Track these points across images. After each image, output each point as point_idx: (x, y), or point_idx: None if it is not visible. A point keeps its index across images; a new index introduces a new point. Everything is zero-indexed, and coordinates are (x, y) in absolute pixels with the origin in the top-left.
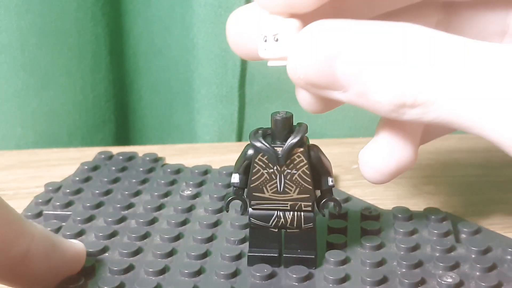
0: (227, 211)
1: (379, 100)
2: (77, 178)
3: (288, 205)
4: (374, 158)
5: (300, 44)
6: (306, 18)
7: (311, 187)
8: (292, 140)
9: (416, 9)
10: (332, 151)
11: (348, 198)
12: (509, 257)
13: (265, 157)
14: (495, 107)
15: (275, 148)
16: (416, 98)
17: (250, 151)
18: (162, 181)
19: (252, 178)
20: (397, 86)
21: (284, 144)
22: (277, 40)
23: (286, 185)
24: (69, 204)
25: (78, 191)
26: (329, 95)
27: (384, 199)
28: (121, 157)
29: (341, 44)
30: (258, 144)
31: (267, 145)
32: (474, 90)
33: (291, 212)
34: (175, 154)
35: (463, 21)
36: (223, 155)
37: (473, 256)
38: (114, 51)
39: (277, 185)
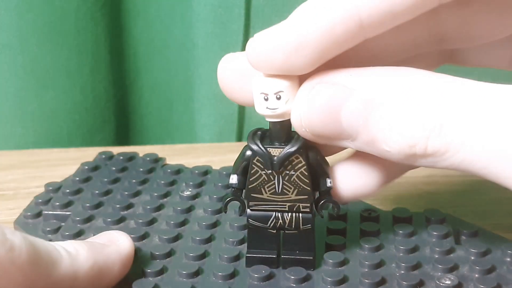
0: (225, 212)
1: (388, 150)
2: (77, 178)
3: (286, 206)
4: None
5: (303, 98)
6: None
7: (309, 188)
8: (290, 149)
9: (416, 61)
10: None
11: None
12: (508, 259)
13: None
14: (510, 155)
15: (273, 149)
16: (427, 148)
17: (248, 152)
18: (162, 182)
19: (250, 179)
20: (405, 135)
21: (283, 147)
22: (279, 98)
23: (284, 186)
24: (68, 204)
25: (78, 191)
26: (337, 144)
27: (384, 200)
28: (121, 157)
29: (343, 95)
30: (254, 147)
31: (263, 149)
32: (489, 138)
33: (289, 213)
34: (175, 154)
35: (468, 47)
36: (223, 155)
37: (472, 258)
38: (114, 51)
39: (275, 186)
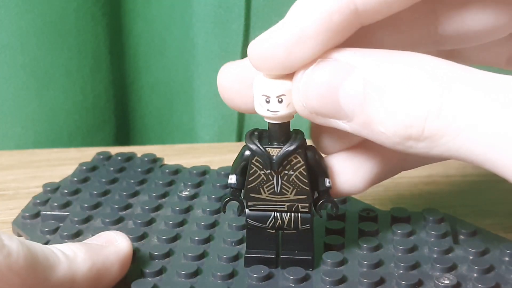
0: (224, 212)
1: (384, 131)
2: (75, 179)
3: (285, 206)
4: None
5: (304, 72)
6: None
7: (308, 188)
8: (288, 147)
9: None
10: None
11: (346, 199)
12: (507, 258)
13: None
14: (508, 143)
15: (271, 149)
16: (424, 130)
17: (247, 152)
18: (160, 182)
19: (249, 179)
20: (403, 116)
21: (281, 146)
22: (281, 101)
23: (283, 186)
24: (67, 205)
25: (76, 192)
26: (334, 124)
27: (383, 199)
28: (119, 158)
29: (344, 72)
30: (253, 147)
31: (262, 149)
32: (488, 125)
33: (288, 213)
34: (175, 154)
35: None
36: (223, 155)
37: (470, 257)
38: (114, 51)
39: (274, 186)
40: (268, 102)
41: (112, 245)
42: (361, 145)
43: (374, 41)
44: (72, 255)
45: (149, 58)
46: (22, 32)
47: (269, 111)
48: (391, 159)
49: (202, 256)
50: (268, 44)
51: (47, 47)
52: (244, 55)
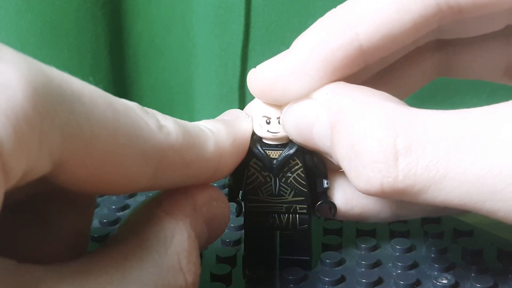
0: None
1: (356, 184)
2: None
3: (284, 208)
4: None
5: (284, 110)
6: None
7: (306, 190)
8: (288, 151)
9: (409, 59)
10: None
11: None
12: (504, 257)
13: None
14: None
15: (271, 152)
16: (397, 177)
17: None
18: None
19: (247, 181)
20: (367, 172)
21: (280, 149)
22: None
23: (281, 188)
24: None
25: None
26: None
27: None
28: None
29: (315, 114)
30: (254, 150)
31: (263, 152)
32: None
33: (286, 215)
34: None
35: (462, 60)
36: None
37: (468, 257)
38: (114, 51)
39: (272, 188)
40: (268, 123)
41: (241, 121)
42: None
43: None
44: (216, 131)
45: (149, 58)
46: (22, 32)
47: (269, 132)
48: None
49: (200, 256)
50: (266, 76)
51: (47, 47)
52: (244, 55)
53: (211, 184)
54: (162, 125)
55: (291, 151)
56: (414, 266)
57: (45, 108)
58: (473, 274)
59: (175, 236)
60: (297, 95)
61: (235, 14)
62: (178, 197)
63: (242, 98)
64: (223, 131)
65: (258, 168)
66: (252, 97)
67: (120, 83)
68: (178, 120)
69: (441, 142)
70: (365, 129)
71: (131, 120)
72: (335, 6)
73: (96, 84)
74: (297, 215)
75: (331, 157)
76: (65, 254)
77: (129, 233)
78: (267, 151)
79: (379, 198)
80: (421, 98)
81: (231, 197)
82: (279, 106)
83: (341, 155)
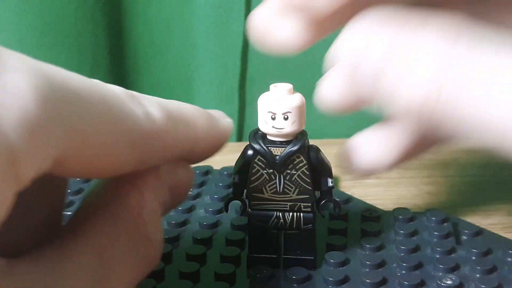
0: (227, 212)
1: (407, 98)
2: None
3: (288, 206)
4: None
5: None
6: None
7: (310, 188)
8: (292, 148)
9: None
10: (332, 151)
11: (348, 199)
12: (509, 259)
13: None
14: None
15: (274, 148)
16: (441, 89)
17: (250, 152)
18: None
19: (252, 179)
20: (422, 79)
21: (284, 146)
22: (287, 118)
23: (285, 185)
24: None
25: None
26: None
27: (385, 199)
28: None
29: (363, 44)
30: (257, 147)
31: (265, 148)
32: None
33: (291, 213)
34: None
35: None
36: (224, 155)
37: (473, 258)
38: (114, 51)
39: (276, 186)
40: (273, 119)
41: (222, 120)
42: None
43: None
44: (196, 116)
45: (149, 58)
46: (22, 32)
47: (274, 128)
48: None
49: (204, 255)
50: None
51: (47, 47)
52: (244, 55)
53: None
54: (148, 112)
55: (295, 147)
56: (418, 266)
57: (53, 112)
58: (478, 275)
59: (142, 207)
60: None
61: (235, 14)
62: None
63: (242, 98)
64: (202, 118)
65: (263, 166)
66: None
67: (120, 83)
68: (162, 102)
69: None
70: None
71: (121, 112)
72: None
73: None
74: (302, 214)
75: (372, 97)
76: (40, 230)
77: (96, 207)
78: (271, 148)
79: None
80: None
81: (236, 195)
82: (284, 101)
83: (400, 73)
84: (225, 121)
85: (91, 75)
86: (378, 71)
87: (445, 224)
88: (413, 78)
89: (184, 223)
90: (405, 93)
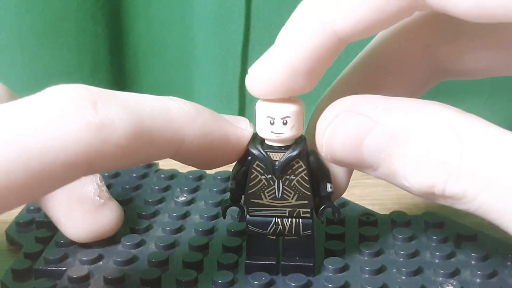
0: (224, 218)
1: (408, 186)
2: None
3: (287, 212)
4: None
5: (326, 125)
6: None
7: (309, 193)
8: (291, 153)
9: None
10: None
11: (344, 203)
12: (509, 263)
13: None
14: None
15: (273, 154)
16: (445, 191)
17: (248, 157)
18: (156, 187)
19: (250, 184)
20: (425, 176)
21: (283, 151)
22: (286, 123)
23: (284, 191)
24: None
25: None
26: (358, 170)
27: (384, 200)
28: None
29: (368, 126)
30: (255, 152)
31: (264, 154)
32: (504, 189)
33: (289, 219)
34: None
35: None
36: None
37: (473, 262)
38: (114, 51)
39: (275, 191)
40: (272, 124)
41: (238, 127)
42: None
43: (381, 86)
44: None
45: (149, 58)
46: (22, 32)
47: (273, 133)
48: None
49: (201, 263)
50: (265, 75)
51: (47, 47)
52: (244, 55)
53: None
54: (105, 125)
55: (294, 152)
56: (418, 272)
57: (140, 136)
58: (478, 280)
59: None
60: (298, 88)
61: (235, 14)
62: None
63: (242, 98)
64: (201, 119)
65: (261, 171)
66: (252, 97)
67: (120, 83)
68: (130, 106)
69: (490, 172)
70: (429, 145)
71: (166, 115)
72: None
73: (96, 84)
74: (301, 220)
75: (375, 169)
76: None
77: None
78: (269, 153)
79: None
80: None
81: (233, 201)
82: (283, 106)
83: (398, 164)
84: (240, 128)
85: (91, 75)
86: (383, 151)
87: (442, 227)
88: (419, 170)
89: (179, 229)
90: (410, 181)
